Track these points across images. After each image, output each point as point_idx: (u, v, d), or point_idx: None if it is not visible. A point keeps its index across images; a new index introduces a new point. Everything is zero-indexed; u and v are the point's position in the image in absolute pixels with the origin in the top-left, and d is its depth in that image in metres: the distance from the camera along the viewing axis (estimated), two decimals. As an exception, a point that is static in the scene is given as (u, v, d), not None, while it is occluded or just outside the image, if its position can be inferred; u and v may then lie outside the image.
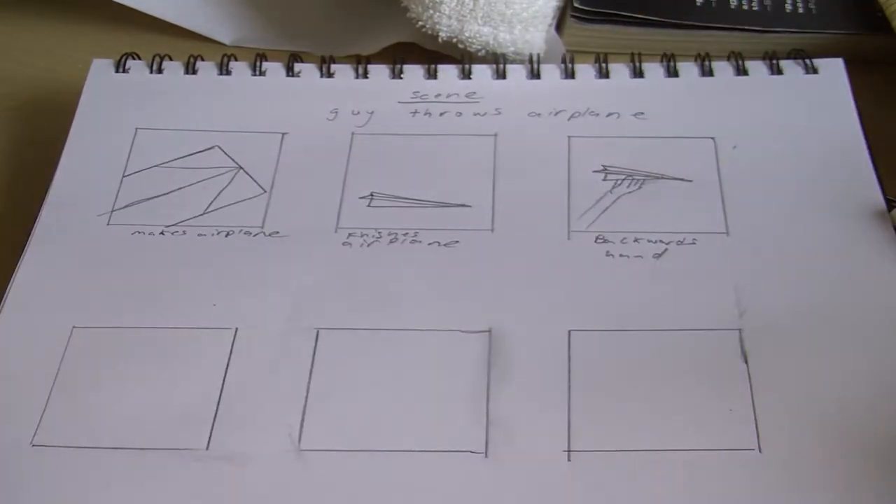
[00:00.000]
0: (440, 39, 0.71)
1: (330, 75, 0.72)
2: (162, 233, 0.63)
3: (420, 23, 0.70)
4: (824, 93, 0.69)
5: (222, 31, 0.76)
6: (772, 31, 0.74)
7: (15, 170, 0.69)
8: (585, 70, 0.71)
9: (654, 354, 0.57)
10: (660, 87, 0.70)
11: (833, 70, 0.70)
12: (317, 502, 0.52)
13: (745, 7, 0.75)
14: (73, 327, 0.59)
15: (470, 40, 0.70)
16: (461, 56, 0.72)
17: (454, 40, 0.71)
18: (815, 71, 0.70)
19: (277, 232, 0.63)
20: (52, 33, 0.78)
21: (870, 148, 0.66)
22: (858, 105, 0.68)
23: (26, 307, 0.60)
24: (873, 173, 0.65)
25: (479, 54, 0.72)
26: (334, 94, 0.70)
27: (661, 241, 0.62)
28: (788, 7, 0.75)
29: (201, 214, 0.64)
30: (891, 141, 0.68)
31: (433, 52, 0.73)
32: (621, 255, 0.61)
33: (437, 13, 0.69)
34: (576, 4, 0.74)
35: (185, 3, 0.76)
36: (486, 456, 0.53)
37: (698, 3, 0.75)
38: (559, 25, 0.74)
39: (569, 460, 0.53)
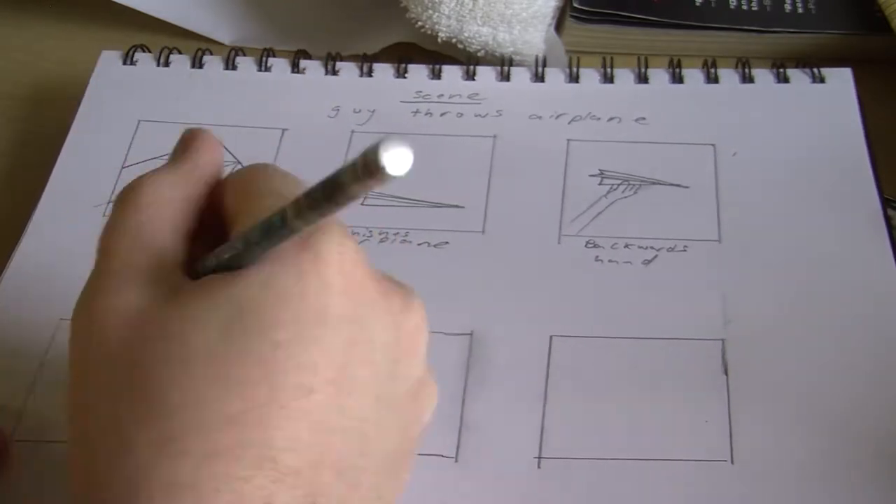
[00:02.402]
0: (440, 40, 0.71)
1: (334, 73, 0.72)
2: (157, 226, 0.63)
3: (419, 23, 0.70)
4: (830, 103, 0.69)
5: (222, 31, 0.77)
6: (771, 31, 0.73)
7: (24, 161, 0.70)
8: (590, 74, 0.71)
9: (634, 363, 0.56)
10: (664, 92, 0.70)
11: (841, 80, 0.70)
12: None
13: (745, 7, 0.74)
14: (61, 319, 0.59)
15: (469, 40, 0.70)
16: (465, 57, 0.72)
17: (454, 40, 0.71)
18: (822, 80, 0.70)
19: (269, 228, 0.63)
20: (65, 27, 0.78)
21: (870, 151, 0.65)
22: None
23: (18, 297, 0.61)
24: (875, 187, 0.64)
25: (479, 54, 0.71)
26: (337, 92, 0.71)
27: (651, 248, 0.61)
28: (788, 7, 0.74)
29: (196, 209, 0.64)
30: (890, 141, 0.67)
31: (433, 53, 0.73)
32: (610, 261, 0.61)
33: (437, 13, 0.69)
34: (575, 4, 0.74)
35: (185, 2, 0.77)
36: (457, 460, 0.53)
37: (697, 3, 0.74)
38: (559, 25, 0.74)
39: (538, 467, 0.53)
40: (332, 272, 0.40)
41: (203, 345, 0.38)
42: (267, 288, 0.39)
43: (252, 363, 0.38)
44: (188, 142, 0.46)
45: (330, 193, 0.35)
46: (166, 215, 0.43)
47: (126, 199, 0.43)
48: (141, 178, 0.44)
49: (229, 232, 0.43)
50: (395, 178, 0.32)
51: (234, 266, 0.40)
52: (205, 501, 0.37)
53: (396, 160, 0.32)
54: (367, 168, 0.33)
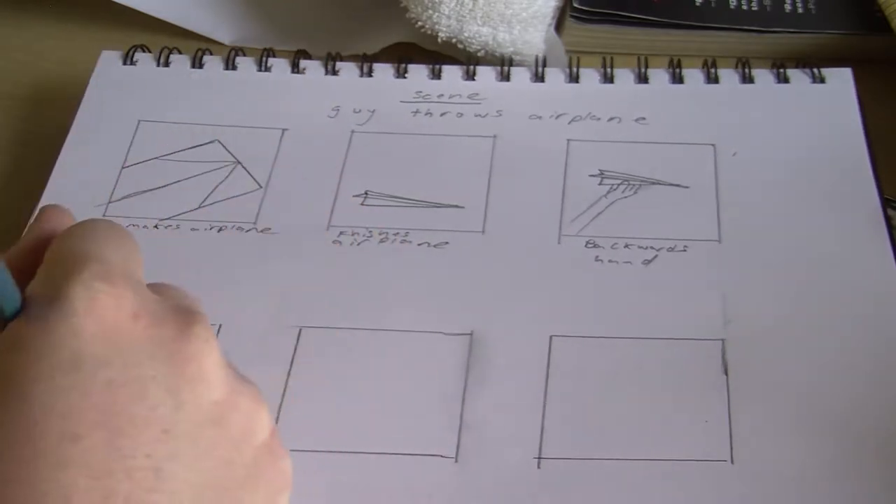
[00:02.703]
0: (440, 40, 0.71)
1: (334, 73, 0.72)
2: (156, 226, 0.63)
3: (419, 23, 0.70)
4: (830, 103, 0.69)
5: (222, 31, 0.77)
6: (771, 31, 0.73)
7: (24, 161, 0.70)
8: (590, 74, 0.71)
9: (634, 363, 0.56)
10: (664, 92, 0.70)
11: (841, 80, 0.70)
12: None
13: (745, 7, 0.74)
14: (60, 318, 0.59)
15: (469, 40, 0.70)
16: (465, 57, 0.72)
17: (454, 40, 0.71)
18: (822, 80, 0.70)
19: (269, 228, 0.63)
20: (65, 27, 0.78)
21: (870, 151, 0.65)
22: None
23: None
24: (875, 186, 0.64)
25: (479, 54, 0.71)
26: (337, 92, 0.71)
27: (651, 248, 0.61)
28: (788, 7, 0.74)
29: (196, 209, 0.64)
30: (890, 141, 0.67)
31: (433, 53, 0.73)
32: (610, 261, 0.61)
33: (437, 13, 0.69)
34: (575, 4, 0.74)
35: (185, 2, 0.76)
36: (457, 461, 0.53)
37: (697, 3, 0.74)
38: (559, 25, 0.74)
39: (538, 467, 0.53)
40: (81, 319, 0.40)
41: None
42: (18, 349, 0.40)
43: (13, 421, 0.39)
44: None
45: None
46: None
47: None
48: None
49: None
50: None
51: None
52: None
53: None
54: None
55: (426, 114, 0.69)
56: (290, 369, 0.57)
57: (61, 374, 0.39)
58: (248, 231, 0.63)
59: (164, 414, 0.41)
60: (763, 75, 0.70)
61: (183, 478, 0.40)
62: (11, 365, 0.40)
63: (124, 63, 0.72)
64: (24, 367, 0.40)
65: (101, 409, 0.39)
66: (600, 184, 0.65)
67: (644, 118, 0.68)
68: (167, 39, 0.75)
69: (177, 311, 0.43)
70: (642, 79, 0.71)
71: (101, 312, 0.41)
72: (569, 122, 0.68)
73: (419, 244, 0.62)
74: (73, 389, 0.39)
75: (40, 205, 0.64)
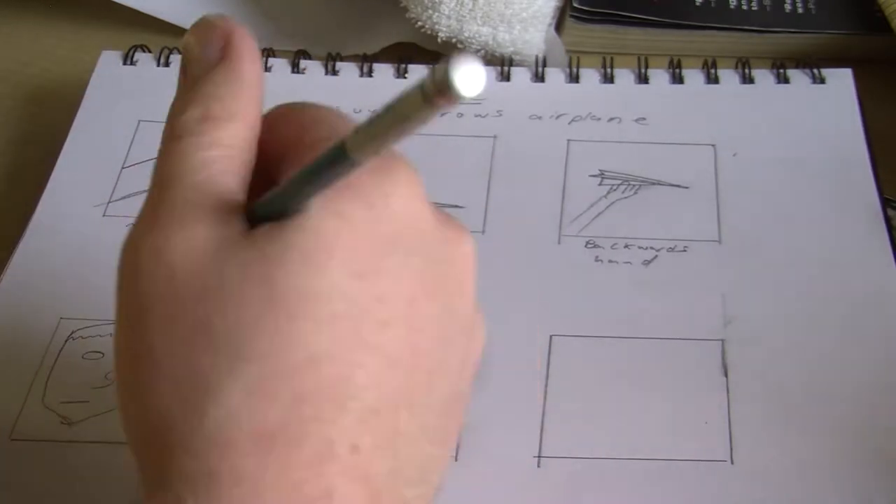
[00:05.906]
0: (439, 40, 0.71)
1: (334, 73, 0.72)
2: (156, 226, 0.63)
3: (419, 23, 0.70)
4: (830, 103, 0.69)
5: (222, 31, 0.77)
6: (771, 31, 0.73)
7: (24, 161, 0.70)
8: (590, 74, 0.71)
9: (634, 363, 0.56)
10: (664, 93, 0.70)
11: (841, 80, 0.70)
12: None
13: (745, 7, 0.74)
14: (61, 318, 0.59)
15: (469, 40, 0.70)
16: (465, 57, 0.72)
17: (454, 40, 0.71)
18: (822, 80, 0.70)
19: (269, 228, 0.63)
20: (65, 27, 0.78)
21: (870, 151, 0.65)
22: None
23: (18, 296, 0.60)
24: (875, 186, 0.64)
25: (479, 54, 0.71)
26: (337, 92, 0.70)
27: (651, 248, 0.61)
28: (788, 7, 0.74)
29: (195, 209, 0.64)
30: (890, 141, 0.67)
31: (433, 53, 0.73)
32: (610, 261, 0.61)
33: (437, 13, 0.69)
34: (575, 4, 0.74)
35: (185, 2, 0.76)
36: (456, 460, 0.53)
37: (698, 3, 0.74)
38: (559, 25, 0.74)
39: (538, 466, 0.53)
40: (401, 202, 0.38)
41: (286, 285, 0.36)
42: (342, 219, 0.37)
43: (337, 297, 0.36)
44: (228, 41, 0.43)
45: (394, 121, 0.32)
46: (235, 159, 0.40)
47: (189, 131, 0.41)
48: (200, 106, 0.41)
49: (276, 177, 0.39)
50: (466, 99, 0.29)
51: (289, 210, 0.37)
52: (295, 448, 0.35)
53: (469, 79, 0.29)
54: (437, 89, 0.29)
55: (426, 114, 0.69)
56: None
57: (383, 255, 0.37)
58: (248, 231, 0.63)
59: (442, 318, 0.39)
60: (763, 75, 0.70)
61: (442, 387, 0.39)
62: (335, 235, 0.37)
63: (124, 63, 0.73)
64: (348, 239, 0.37)
65: (407, 301, 0.37)
66: (600, 184, 0.65)
67: (644, 118, 0.68)
68: (167, 39, 0.75)
69: (448, 214, 0.40)
70: (642, 79, 0.71)
71: (414, 198, 0.38)
72: (569, 123, 0.68)
73: (419, 244, 0.62)
74: (390, 275, 0.37)
75: (40, 205, 0.64)
